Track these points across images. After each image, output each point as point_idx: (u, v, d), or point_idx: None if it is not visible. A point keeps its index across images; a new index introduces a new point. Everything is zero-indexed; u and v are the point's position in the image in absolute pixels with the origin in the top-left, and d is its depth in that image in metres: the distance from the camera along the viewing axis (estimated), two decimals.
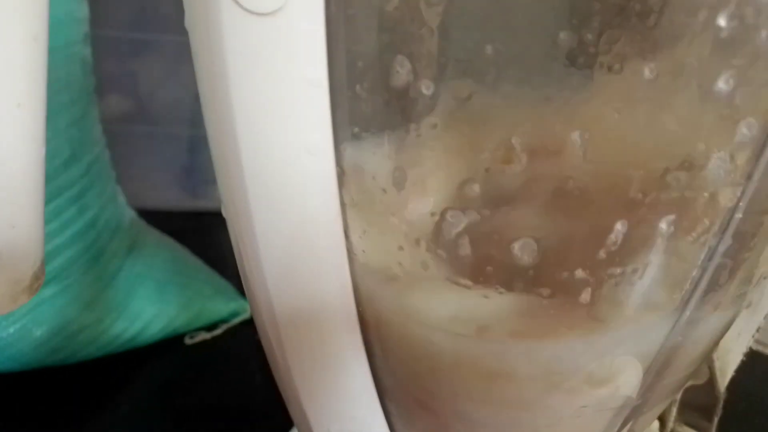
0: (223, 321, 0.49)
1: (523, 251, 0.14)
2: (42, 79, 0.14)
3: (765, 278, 0.17)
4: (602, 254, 0.14)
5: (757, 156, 0.14)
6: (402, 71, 0.13)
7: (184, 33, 0.15)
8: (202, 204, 0.57)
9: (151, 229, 0.49)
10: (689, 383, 0.29)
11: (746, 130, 0.13)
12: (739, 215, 0.14)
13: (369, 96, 0.14)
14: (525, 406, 0.17)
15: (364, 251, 0.16)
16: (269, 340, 0.19)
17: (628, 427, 0.19)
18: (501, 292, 0.15)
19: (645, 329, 0.15)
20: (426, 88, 0.13)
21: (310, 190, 0.15)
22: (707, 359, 0.27)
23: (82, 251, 0.42)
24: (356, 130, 0.15)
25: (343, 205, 0.16)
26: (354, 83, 0.14)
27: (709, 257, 0.14)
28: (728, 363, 0.28)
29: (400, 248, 0.15)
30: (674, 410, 0.29)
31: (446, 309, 0.16)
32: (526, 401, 0.17)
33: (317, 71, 0.14)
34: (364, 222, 0.16)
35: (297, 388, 0.19)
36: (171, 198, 0.58)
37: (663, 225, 0.13)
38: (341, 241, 0.16)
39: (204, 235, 0.62)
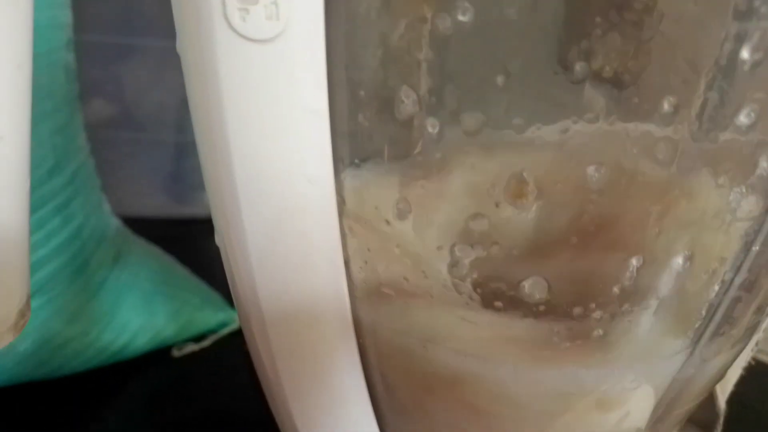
0: (212, 332, 0.49)
1: (533, 289, 0.13)
2: (26, 109, 0.13)
3: None
4: (615, 290, 0.13)
5: None
6: (407, 102, 0.13)
7: (169, 36, 0.14)
8: (188, 211, 0.56)
9: (137, 238, 0.48)
10: None
11: (766, 163, 0.12)
12: (756, 248, 0.13)
13: (372, 126, 0.14)
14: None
15: (365, 281, 0.16)
16: (258, 350, 0.18)
17: None
18: (509, 325, 0.15)
19: (658, 363, 0.15)
20: (432, 122, 0.13)
21: (310, 219, 0.15)
22: None
23: (66, 262, 0.41)
24: (358, 159, 0.14)
25: (343, 234, 0.15)
26: (356, 112, 0.13)
27: (725, 291, 0.14)
28: (728, 378, 0.28)
29: (405, 279, 0.15)
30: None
31: (451, 330, 0.16)
32: (530, 425, 0.17)
33: (317, 100, 0.13)
34: (365, 252, 0.15)
35: (287, 398, 0.19)
36: (157, 205, 0.57)
37: (679, 260, 0.13)
38: (341, 269, 0.16)
39: (191, 243, 0.61)
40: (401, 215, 0.14)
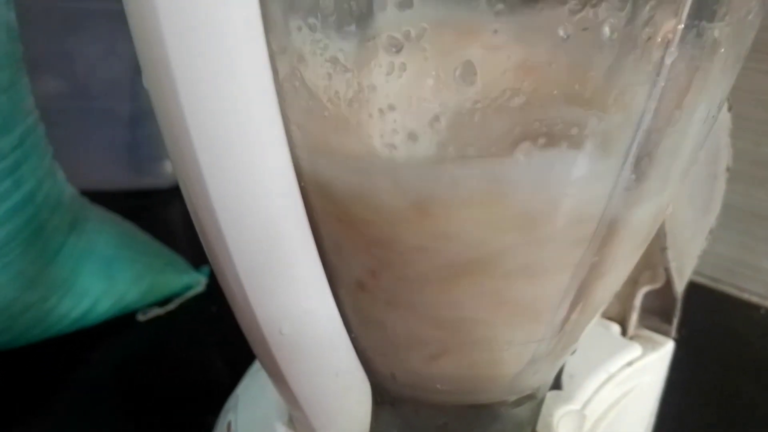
0: (177, 295, 0.48)
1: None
2: None
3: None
4: None
5: None
6: None
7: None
8: (147, 182, 0.55)
9: (95, 205, 0.47)
10: (647, 288, 0.29)
11: None
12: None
13: None
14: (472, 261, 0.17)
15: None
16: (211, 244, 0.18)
17: (585, 298, 0.19)
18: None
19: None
20: None
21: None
22: (663, 259, 0.27)
23: (20, 227, 0.40)
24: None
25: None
26: None
27: None
28: (684, 264, 0.28)
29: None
30: (635, 316, 0.28)
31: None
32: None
33: None
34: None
35: (242, 284, 0.18)
36: (114, 178, 0.56)
37: None
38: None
39: (152, 213, 0.60)
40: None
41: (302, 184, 0.17)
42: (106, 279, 0.45)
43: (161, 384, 0.43)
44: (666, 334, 0.28)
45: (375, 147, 0.15)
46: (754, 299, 0.53)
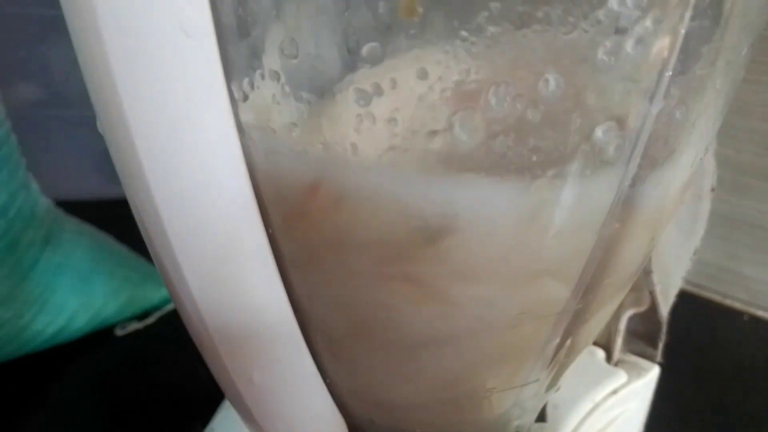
0: (155, 308, 0.47)
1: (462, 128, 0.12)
2: None
3: (698, 159, 0.16)
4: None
5: None
6: None
7: None
8: (123, 191, 0.54)
9: (70, 217, 0.46)
10: (632, 311, 0.28)
11: None
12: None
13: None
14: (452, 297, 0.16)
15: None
16: (174, 288, 0.17)
17: (570, 339, 0.18)
18: None
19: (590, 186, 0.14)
20: None
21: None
22: (647, 283, 0.27)
23: None
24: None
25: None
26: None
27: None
28: (670, 286, 0.28)
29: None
30: (619, 340, 0.28)
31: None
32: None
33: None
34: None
35: (209, 331, 0.17)
36: (90, 187, 0.54)
37: None
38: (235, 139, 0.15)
39: (128, 223, 0.59)
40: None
41: (270, 231, 0.16)
42: (82, 293, 0.44)
43: (140, 400, 0.42)
44: (651, 358, 0.28)
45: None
46: (737, 305, 0.53)
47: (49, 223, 0.44)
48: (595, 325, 0.19)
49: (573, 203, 0.14)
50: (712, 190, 0.29)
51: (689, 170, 0.16)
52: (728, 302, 0.53)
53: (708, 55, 0.14)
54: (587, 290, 0.16)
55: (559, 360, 0.18)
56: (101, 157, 0.54)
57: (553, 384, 0.20)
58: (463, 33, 0.12)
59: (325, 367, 0.18)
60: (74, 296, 0.43)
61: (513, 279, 0.15)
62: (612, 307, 0.19)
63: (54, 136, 0.53)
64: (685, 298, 0.52)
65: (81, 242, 0.45)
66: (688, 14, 0.12)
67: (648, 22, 0.12)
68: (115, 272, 0.45)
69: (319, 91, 0.13)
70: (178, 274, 0.16)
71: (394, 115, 0.13)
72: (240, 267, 0.16)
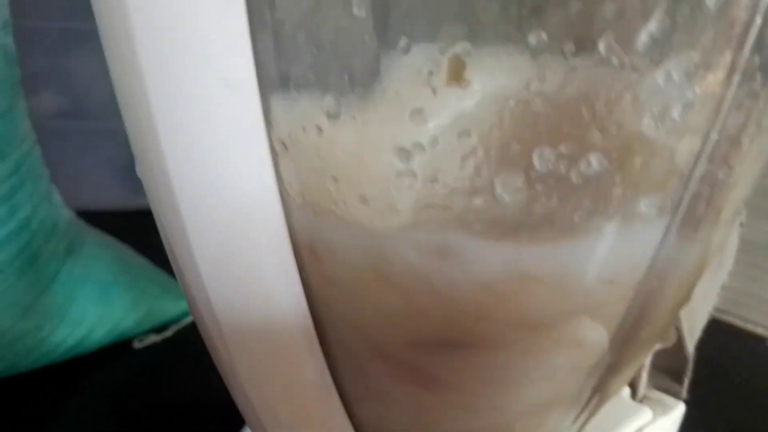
0: (173, 321, 0.47)
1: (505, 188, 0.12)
2: None
3: (737, 215, 0.16)
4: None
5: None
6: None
7: None
8: (145, 201, 0.54)
9: (91, 228, 0.47)
10: (658, 347, 0.28)
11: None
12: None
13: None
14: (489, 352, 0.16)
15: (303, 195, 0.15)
16: (212, 339, 0.17)
17: (600, 391, 0.18)
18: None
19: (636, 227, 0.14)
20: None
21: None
22: (674, 320, 0.27)
23: (15, 254, 0.39)
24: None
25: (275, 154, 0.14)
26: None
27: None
28: (696, 323, 0.28)
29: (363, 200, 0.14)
30: (645, 376, 0.28)
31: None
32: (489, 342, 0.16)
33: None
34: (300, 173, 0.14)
35: (247, 393, 0.17)
36: (113, 197, 0.55)
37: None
38: (274, 189, 0.15)
39: (150, 234, 0.59)
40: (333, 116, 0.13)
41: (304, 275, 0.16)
42: (102, 306, 0.44)
43: (157, 413, 0.42)
44: (676, 394, 0.28)
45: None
46: (759, 330, 0.53)
47: (70, 235, 0.44)
48: (627, 375, 0.18)
49: (611, 261, 0.14)
50: (741, 225, 0.28)
51: (729, 227, 0.15)
52: (750, 327, 0.53)
53: (753, 117, 0.13)
54: (622, 344, 0.16)
55: (589, 409, 0.18)
56: (123, 168, 0.55)
57: (580, 430, 0.20)
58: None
59: (349, 396, 0.18)
60: (94, 308, 0.43)
61: (546, 335, 0.15)
62: (644, 357, 0.19)
63: (76, 146, 0.53)
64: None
65: (102, 254, 0.45)
66: (736, 78, 0.12)
67: (696, 89, 0.12)
68: (134, 285, 0.45)
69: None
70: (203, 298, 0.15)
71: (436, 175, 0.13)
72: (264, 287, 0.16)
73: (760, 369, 0.49)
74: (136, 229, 0.54)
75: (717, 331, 0.53)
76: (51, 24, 0.47)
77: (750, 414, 0.43)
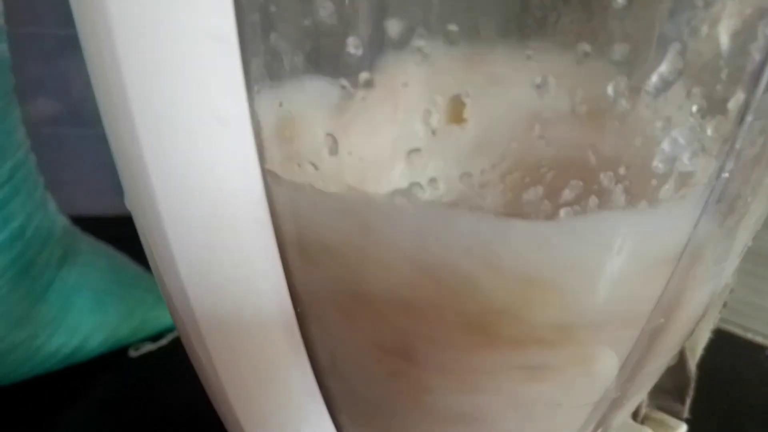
0: (169, 330, 0.47)
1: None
2: None
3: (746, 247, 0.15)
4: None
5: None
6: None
7: None
8: None
9: (86, 236, 0.46)
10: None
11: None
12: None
13: (287, 46, 0.12)
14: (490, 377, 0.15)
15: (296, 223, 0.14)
16: (196, 353, 0.17)
17: (604, 425, 0.17)
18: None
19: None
20: (355, 41, 0.11)
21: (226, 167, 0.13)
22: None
23: (9, 263, 0.39)
24: (277, 93, 0.12)
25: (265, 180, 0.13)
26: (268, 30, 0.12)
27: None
28: (697, 342, 0.27)
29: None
30: (645, 396, 0.27)
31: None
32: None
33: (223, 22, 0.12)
34: (293, 198, 0.14)
35: (233, 408, 0.17)
36: (108, 203, 0.54)
37: None
38: (267, 222, 0.14)
39: None
40: (330, 151, 0.13)
41: (298, 309, 0.15)
42: (97, 314, 0.43)
43: (153, 421, 0.41)
44: (678, 414, 0.27)
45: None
46: (759, 339, 0.52)
47: (65, 243, 0.44)
48: (630, 408, 0.18)
49: (618, 300, 0.13)
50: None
51: (734, 265, 0.15)
52: (750, 336, 0.52)
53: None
54: (627, 380, 0.16)
55: None
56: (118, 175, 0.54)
57: None
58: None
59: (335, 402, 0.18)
60: (89, 317, 0.43)
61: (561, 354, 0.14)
62: (647, 390, 0.18)
63: (72, 152, 0.53)
64: None
65: (97, 262, 0.45)
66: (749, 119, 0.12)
67: (708, 131, 0.11)
68: (130, 293, 0.45)
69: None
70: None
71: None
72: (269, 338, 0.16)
73: (761, 378, 0.48)
74: (132, 236, 0.53)
75: (717, 339, 0.53)
76: (46, 30, 0.46)
77: (751, 424, 0.43)
